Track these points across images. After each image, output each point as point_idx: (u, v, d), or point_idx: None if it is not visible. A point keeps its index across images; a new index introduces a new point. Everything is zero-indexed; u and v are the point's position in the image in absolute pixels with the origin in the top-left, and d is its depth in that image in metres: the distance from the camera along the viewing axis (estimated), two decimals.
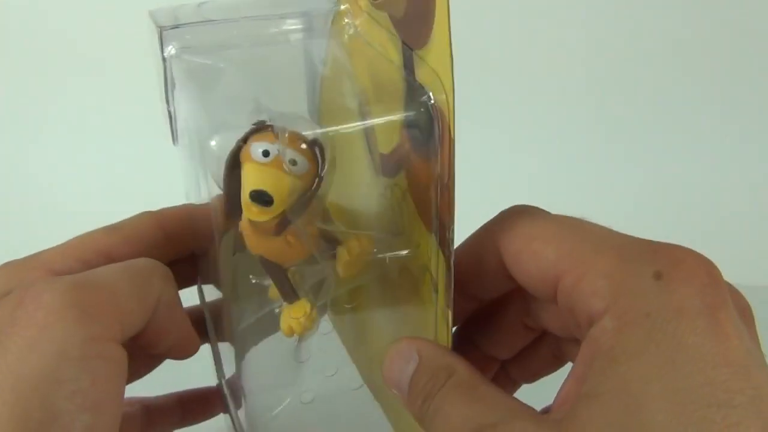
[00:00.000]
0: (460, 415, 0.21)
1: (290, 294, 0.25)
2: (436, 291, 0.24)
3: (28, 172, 0.63)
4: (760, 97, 0.62)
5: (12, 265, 0.27)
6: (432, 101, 0.20)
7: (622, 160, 0.61)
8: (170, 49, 0.25)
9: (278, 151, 0.21)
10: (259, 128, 0.22)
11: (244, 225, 0.24)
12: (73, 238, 0.28)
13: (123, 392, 0.23)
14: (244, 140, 0.22)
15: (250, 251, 0.25)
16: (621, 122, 0.62)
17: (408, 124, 0.22)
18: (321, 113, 0.29)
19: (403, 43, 0.22)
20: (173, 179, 0.31)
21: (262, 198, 0.21)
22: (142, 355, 0.27)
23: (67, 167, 0.62)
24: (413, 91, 0.21)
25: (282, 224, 0.23)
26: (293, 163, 0.21)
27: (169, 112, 0.26)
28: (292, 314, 0.24)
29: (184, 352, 0.28)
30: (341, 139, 0.24)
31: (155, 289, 0.25)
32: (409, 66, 0.22)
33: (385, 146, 0.25)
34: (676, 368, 0.18)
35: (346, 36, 0.27)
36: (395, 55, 0.23)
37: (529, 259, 0.22)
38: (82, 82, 0.62)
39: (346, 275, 0.25)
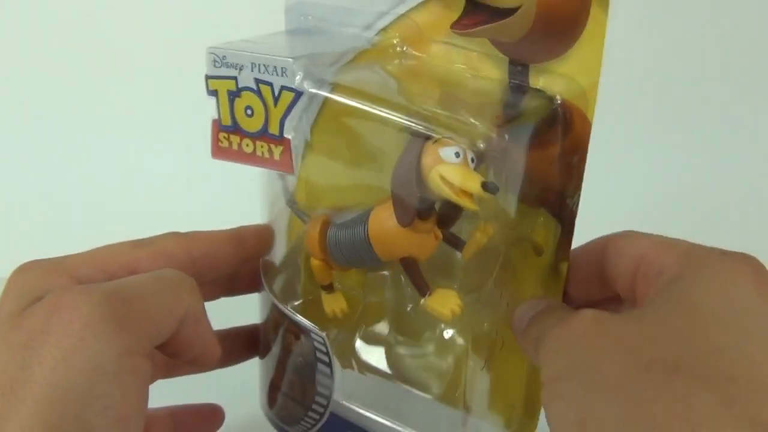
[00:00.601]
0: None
1: (425, 286, 0.28)
2: (540, 254, 0.30)
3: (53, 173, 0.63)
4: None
5: (36, 268, 0.26)
6: (560, 99, 0.27)
7: (627, 161, 0.61)
8: (299, 80, 0.26)
9: (465, 152, 0.25)
10: (427, 137, 0.26)
11: (395, 229, 0.27)
12: (99, 248, 0.28)
13: (147, 405, 0.24)
14: (420, 150, 0.26)
15: (384, 256, 0.28)
16: (624, 122, 0.59)
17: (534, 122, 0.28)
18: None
19: (512, 60, 0.28)
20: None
21: (493, 187, 0.24)
22: (162, 361, 0.28)
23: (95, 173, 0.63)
24: (530, 94, 0.28)
25: (452, 217, 0.27)
26: (473, 160, 0.26)
27: (288, 140, 0.27)
28: (446, 305, 0.28)
29: (206, 363, 0.29)
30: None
31: (184, 301, 0.26)
32: (519, 78, 0.28)
33: None
34: (729, 296, 0.22)
35: (396, 62, 0.31)
36: (494, 71, 0.29)
37: (628, 247, 0.26)
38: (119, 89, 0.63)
39: (467, 258, 0.29)
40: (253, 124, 0.28)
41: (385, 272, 0.31)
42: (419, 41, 0.30)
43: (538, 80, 0.28)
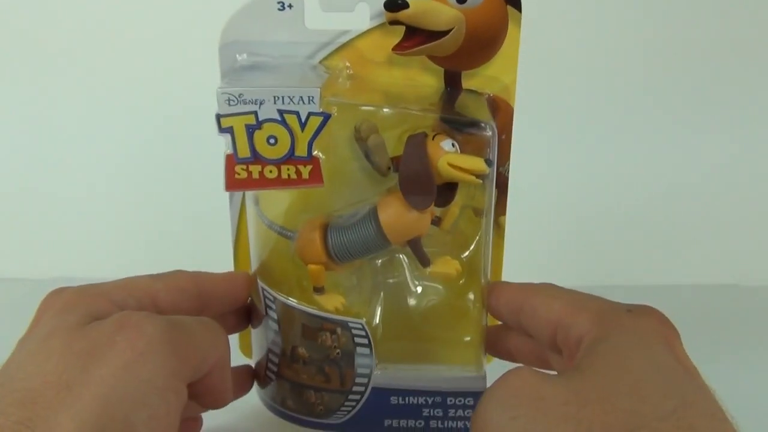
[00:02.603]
0: None
1: (427, 258, 0.35)
2: (482, 216, 0.39)
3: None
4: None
5: (73, 290, 0.30)
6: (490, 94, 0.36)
7: (628, 162, 0.60)
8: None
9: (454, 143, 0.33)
10: (425, 134, 0.33)
11: (409, 214, 0.33)
12: (123, 279, 0.32)
13: (178, 427, 0.28)
14: (425, 145, 0.32)
15: (396, 240, 0.34)
16: (626, 120, 0.60)
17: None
18: None
19: (447, 69, 0.36)
20: None
21: (490, 162, 0.32)
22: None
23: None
24: (464, 93, 0.36)
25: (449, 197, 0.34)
26: (453, 145, 0.33)
27: (317, 159, 0.31)
28: (450, 266, 0.35)
29: (219, 404, 0.33)
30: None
31: (221, 346, 0.32)
32: (452, 82, 0.36)
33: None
34: (646, 356, 0.25)
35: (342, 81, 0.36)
36: (431, 79, 0.36)
37: (543, 310, 0.30)
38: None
39: (446, 229, 0.36)
40: (277, 152, 0.31)
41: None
42: (362, 63, 0.36)
43: (471, 82, 0.36)
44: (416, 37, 0.35)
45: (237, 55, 0.36)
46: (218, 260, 0.37)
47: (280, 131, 0.30)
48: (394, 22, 0.35)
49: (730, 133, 0.59)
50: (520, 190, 0.37)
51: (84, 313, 0.28)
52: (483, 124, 0.33)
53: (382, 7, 0.34)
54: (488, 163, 0.32)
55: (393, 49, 0.35)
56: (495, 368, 0.38)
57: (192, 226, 0.56)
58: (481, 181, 0.33)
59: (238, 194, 0.38)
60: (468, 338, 0.36)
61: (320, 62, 0.36)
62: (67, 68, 0.60)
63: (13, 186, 0.61)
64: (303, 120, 0.30)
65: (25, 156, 0.62)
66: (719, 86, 0.59)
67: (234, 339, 0.42)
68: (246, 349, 0.42)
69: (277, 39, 0.35)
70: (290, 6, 0.35)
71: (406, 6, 0.34)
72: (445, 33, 0.35)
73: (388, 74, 0.36)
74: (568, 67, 0.55)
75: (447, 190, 0.34)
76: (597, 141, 0.57)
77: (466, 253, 0.36)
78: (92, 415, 0.23)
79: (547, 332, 0.30)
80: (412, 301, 0.36)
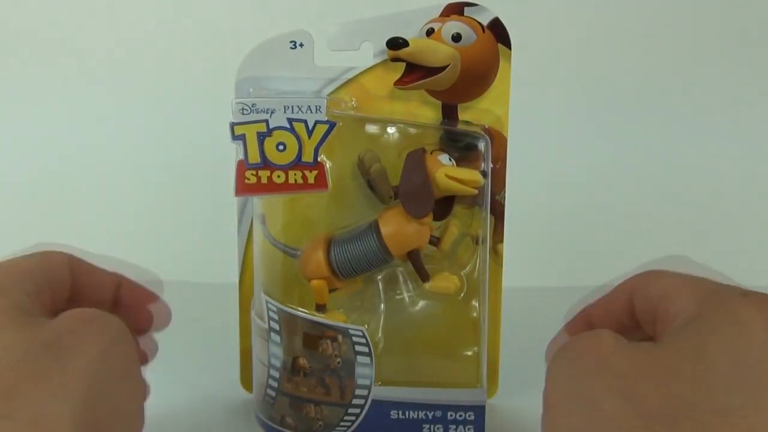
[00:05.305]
0: None
1: (426, 273, 0.36)
2: (478, 243, 0.40)
3: None
4: None
5: None
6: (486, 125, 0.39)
7: (628, 160, 0.62)
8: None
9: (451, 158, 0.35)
10: (423, 149, 0.35)
11: (408, 225, 0.35)
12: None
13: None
14: (424, 159, 0.35)
15: (397, 252, 0.35)
16: (628, 118, 0.63)
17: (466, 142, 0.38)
18: None
19: (444, 102, 0.39)
20: None
21: (485, 173, 0.34)
22: None
23: None
24: (460, 124, 0.39)
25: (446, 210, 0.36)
26: (450, 160, 0.35)
27: (323, 164, 0.33)
28: (449, 281, 0.36)
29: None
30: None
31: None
32: (449, 114, 0.39)
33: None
34: (737, 344, 0.22)
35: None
36: (429, 112, 0.39)
37: (652, 287, 0.27)
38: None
39: (445, 249, 0.38)
40: (286, 158, 0.33)
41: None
42: (366, 97, 0.39)
43: (466, 114, 0.39)
44: (415, 72, 0.38)
45: (250, 89, 0.39)
46: (223, 265, 0.38)
47: (288, 138, 0.33)
48: (395, 59, 0.38)
49: (730, 135, 0.60)
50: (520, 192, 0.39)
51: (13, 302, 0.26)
52: (477, 136, 0.35)
53: (385, 46, 0.38)
54: (483, 174, 0.34)
55: (394, 84, 0.39)
56: (504, 385, 0.39)
57: (199, 234, 0.57)
58: (477, 191, 0.35)
59: (246, 224, 0.40)
60: (468, 352, 0.36)
61: (327, 95, 0.39)
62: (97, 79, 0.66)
63: (26, 187, 0.65)
64: (310, 127, 0.33)
65: (28, 157, 0.66)
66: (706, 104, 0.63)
67: (235, 373, 0.43)
68: (247, 384, 0.42)
69: (288, 75, 0.39)
70: (301, 45, 0.38)
71: (407, 44, 0.37)
72: (442, 69, 0.38)
73: (390, 107, 0.39)
74: (557, 98, 0.58)
75: (444, 204, 0.36)
76: (584, 159, 0.59)
77: (466, 270, 0.37)
78: (81, 402, 0.24)
79: (651, 309, 0.27)
80: (412, 316, 0.37)
